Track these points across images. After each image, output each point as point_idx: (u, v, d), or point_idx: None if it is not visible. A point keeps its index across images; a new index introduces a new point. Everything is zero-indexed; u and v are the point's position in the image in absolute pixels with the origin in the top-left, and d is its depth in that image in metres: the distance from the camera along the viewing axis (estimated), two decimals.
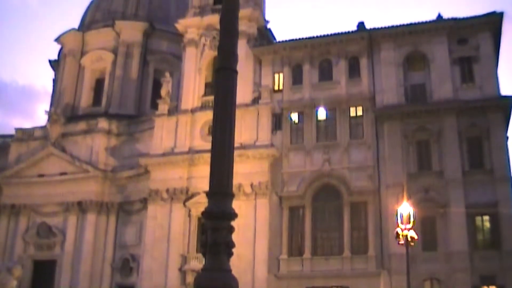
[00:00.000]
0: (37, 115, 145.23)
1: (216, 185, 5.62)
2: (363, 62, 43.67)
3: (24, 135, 53.88)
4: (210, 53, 46.68)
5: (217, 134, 5.82)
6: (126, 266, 46.65)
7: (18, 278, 26.64)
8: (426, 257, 37.45)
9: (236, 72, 6.11)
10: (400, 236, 22.84)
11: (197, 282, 5.37)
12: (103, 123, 50.69)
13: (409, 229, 22.80)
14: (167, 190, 44.29)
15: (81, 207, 48.55)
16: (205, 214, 5.53)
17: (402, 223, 22.53)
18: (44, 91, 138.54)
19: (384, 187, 39.80)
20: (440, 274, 37.64)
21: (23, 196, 49.90)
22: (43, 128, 53.56)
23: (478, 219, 38.94)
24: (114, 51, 56.86)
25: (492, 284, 37.05)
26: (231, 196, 5.65)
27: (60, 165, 50.21)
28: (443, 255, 37.92)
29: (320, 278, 39.26)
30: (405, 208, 22.62)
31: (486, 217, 38.80)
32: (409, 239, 22.79)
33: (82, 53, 58.23)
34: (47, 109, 56.57)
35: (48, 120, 52.95)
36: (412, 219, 22.79)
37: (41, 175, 50.56)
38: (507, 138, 41.42)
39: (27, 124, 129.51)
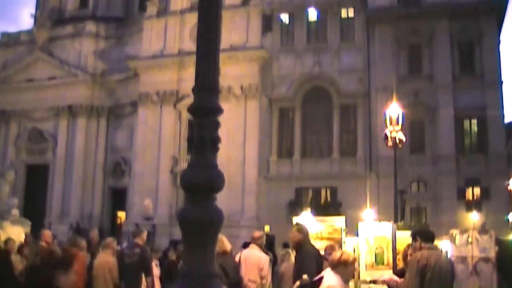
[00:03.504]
0: (22, 19, 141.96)
1: (202, 81, 5.53)
2: None
3: (10, 39, 52.93)
4: None
5: (202, 28, 5.68)
6: (118, 169, 47.24)
7: (11, 183, 27.00)
8: (413, 159, 38.01)
9: None
10: (389, 138, 22.91)
11: (183, 178, 5.39)
12: (90, 26, 49.77)
13: (397, 131, 22.84)
14: (157, 93, 44.18)
15: (72, 111, 48.52)
16: (191, 110, 5.47)
17: (391, 125, 22.58)
18: None
19: (374, 90, 39.79)
20: (426, 176, 38.38)
21: (13, 102, 49.64)
22: (29, 32, 52.50)
23: (466, 123, 39.31)
24: None
25: (476, 186, 37.91)
26: (217, 91, 5.58)
27: (48, 69, 49.68)
28: (430, 158, 38.52)
29: (309, 179, 39.96)
30: (394, 110, 22.61)
31: (474, 121, 39.15)
32: (397, 141, 22.88)
33: None
34: (33, 12, 55.27)
35: (34, 24, 51.91)
36: (400, 121, 22.84)
37: (29, 80, 50.08)
38: (499, 42, 41.05)
39: (12, 29, 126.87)
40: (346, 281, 6.08)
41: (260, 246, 11.00)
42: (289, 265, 11.81)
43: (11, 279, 10.18)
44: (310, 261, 8.17)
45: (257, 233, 11.32)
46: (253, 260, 10.60)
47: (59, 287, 3.82)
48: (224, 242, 10.00)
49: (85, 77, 48.52)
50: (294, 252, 9.87)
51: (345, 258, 6.23)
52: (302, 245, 8.39)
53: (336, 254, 6.39)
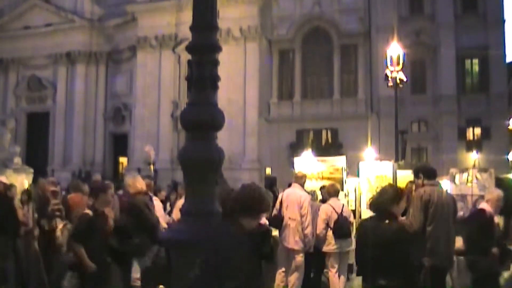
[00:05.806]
0: None
1: (199, 19, 5.46)
2: None
3: None
4: None
5: None
6: (118, 115, 47.13)
7: (12, 131, 27.07)
8: (414, 99, 37.92)
9: None
10: (389, 79, 22.80)
11: (183, 116, 5.36)
12: None
13: (398, 71, 22.71)
14: (156, 37, 43.67)
15: (70, 58, 48.08)
16: (189, 48, 5.41)
17: (391, 65, 22.43)
18: None
19: (375, 30, 39.34)
20: (427, 116, 38.38)
21: (10, 50, 49.01)
22: None
23: (467, 62, 39.06)
24: None
25: (477, 126, 37.97)
26: (215, 29, 5.50)
27: (45, 16, 48.91)
28: (431, 98, 38.44)
29: (310, 121, 39.92)
30: (395, 50, 22.41)
31: (475, 61, 38.90)
32: (398, 81, 22.77)
33: None
34: None
35: None
36: (401, 61, 22.68)
37: (26, 28, 49.30)
38: None
39: None
40: None
41: (302, 185, 11.19)
42: (316, 204, 11.92)
43: (14, 223, 10.45)
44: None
45: (299, 173, 11.57)
46: (294, 198, 10.80)
47: (395, 214, 5.34)
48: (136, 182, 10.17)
49: (82, 23, 47.90)
50: None
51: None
52: None
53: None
